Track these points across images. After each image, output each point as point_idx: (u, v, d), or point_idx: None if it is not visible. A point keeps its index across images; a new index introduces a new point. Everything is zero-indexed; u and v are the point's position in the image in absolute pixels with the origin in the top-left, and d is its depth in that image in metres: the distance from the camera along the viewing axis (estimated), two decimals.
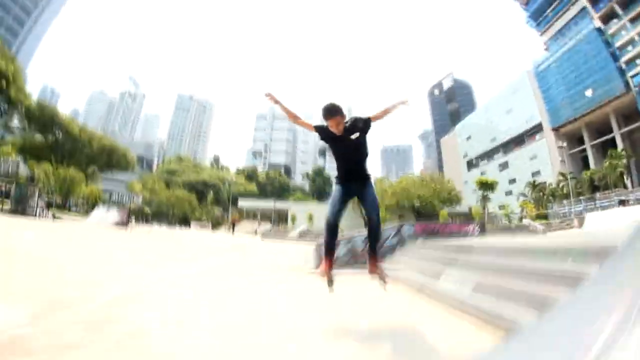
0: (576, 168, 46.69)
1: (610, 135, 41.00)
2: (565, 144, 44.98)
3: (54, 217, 21.19)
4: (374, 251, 2.97)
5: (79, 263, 4.93)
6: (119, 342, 1.98)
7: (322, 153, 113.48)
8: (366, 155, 2.94)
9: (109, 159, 48.75)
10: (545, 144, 53.36)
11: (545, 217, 33.19)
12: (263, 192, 72.61)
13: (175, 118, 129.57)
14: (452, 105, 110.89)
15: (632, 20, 36.02)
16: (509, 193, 58.81)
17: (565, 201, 35.43)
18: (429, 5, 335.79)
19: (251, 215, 55.40)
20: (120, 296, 3.19)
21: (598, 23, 40.47)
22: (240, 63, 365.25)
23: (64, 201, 37.85)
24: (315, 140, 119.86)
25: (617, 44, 38.10)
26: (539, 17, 54.58)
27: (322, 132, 2.89)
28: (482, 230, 11.87)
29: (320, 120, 2.93)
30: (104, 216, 22.54)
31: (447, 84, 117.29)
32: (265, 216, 53.21)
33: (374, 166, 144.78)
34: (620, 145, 39.10)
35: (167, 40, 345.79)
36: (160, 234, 19.69)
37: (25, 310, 2.29)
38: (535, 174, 54.55)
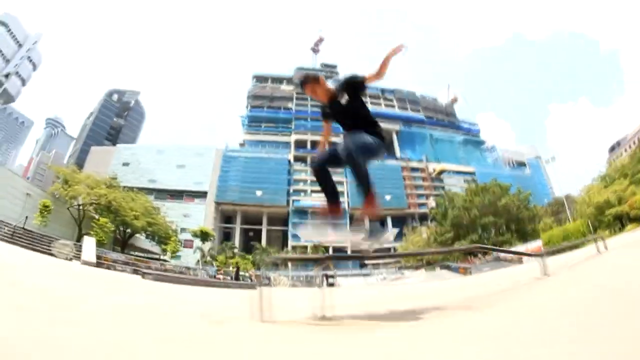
0: (219, 238, 55.96)
1: (258, 227, 55.98)
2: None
3: None
4: (359, 188, 2.17)
5: None
6: None
7: None
8: (363, 116, 2.34)
9: None
10: (203, 210, 60.54)
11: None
12: None
13: None
14: (118, 119, 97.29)
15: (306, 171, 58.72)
16: None
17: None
18: None
19: None
20: None
21: (290, 158, 61.00)
22: None
23: None
24: None
25: (294, 177, 58.71)
26: (251, 123, 71.24)
27: (322, 110, 2.48)
28: None
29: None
30: None
31: (130, 98, 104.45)
32: None
33: None
34: (264, 236, 54.22)
35: None
36: None
37: None
38: (183, 230, 57.75)
